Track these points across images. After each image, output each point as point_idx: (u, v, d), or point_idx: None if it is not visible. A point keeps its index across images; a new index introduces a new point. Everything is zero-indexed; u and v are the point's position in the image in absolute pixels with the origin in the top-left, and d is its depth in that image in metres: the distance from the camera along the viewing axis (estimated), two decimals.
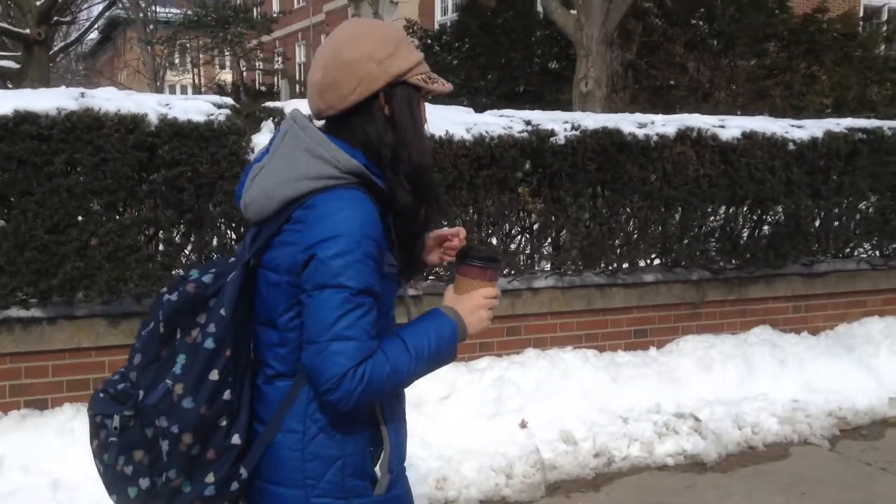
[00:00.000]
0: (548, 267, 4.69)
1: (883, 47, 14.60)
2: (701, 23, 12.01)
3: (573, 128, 4.52)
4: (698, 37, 11.84)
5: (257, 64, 30.24)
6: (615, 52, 9.12)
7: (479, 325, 1.54)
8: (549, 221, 4.56)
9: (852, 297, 5.76)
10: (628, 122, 4.71)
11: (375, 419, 1.51)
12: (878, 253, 5.85)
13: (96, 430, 1.46)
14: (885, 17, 19.09)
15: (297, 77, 27.03)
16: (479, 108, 4.74)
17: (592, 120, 4.67)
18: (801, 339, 5.23)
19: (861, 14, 15.65)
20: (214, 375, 1.41)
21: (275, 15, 28.52)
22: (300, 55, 31.80)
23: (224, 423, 1.42)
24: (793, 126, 5.24)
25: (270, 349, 1.49)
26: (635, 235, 4.79)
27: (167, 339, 1.46)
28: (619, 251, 4.76)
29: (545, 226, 4.59)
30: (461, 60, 13.94)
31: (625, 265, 4.85)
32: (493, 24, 13.52)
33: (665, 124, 4.75)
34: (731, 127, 4.95)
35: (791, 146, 5.05)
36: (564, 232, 4.61)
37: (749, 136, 4.90)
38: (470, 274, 1.55)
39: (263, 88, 24.46)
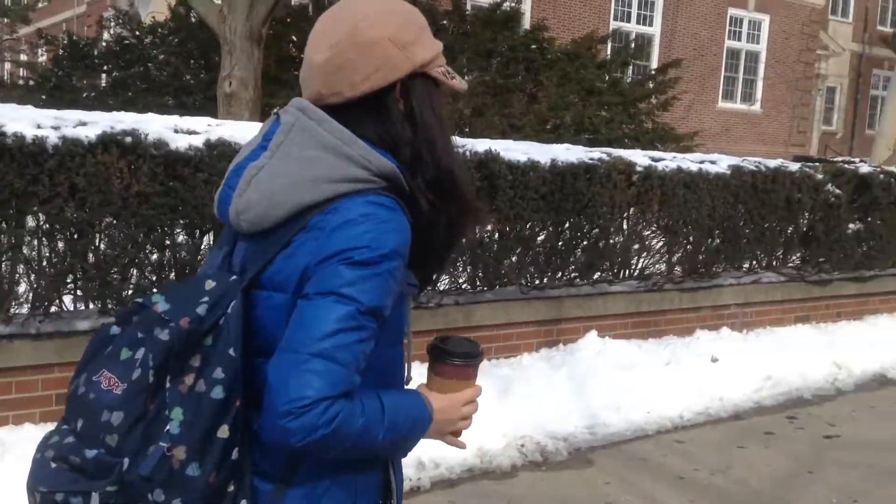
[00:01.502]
0: None
1: (620, 71, 14.66)
2: None
3: None
4: None
5: (21, 56, 27.41)
6: (262, 51, 8.09)
7: (447, 439, 1.34)
8: None
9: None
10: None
11: (385, 464, 1.30)
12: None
13: None
14: (632, 41, 19.64)
15: None
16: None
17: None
18: None
19: (610, 38, 15.61)
20: (224, 432, 1.13)
21: (41, 4, 25.92)
22: None
23: (231, 488, 1.16)
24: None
25: None
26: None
27: (156, 390, 1.14)
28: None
29: None
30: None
31: None
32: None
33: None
34: None
35: None
36: None
37: None
38: (447, 373, 1.31)
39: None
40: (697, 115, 20.51)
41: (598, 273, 5.27)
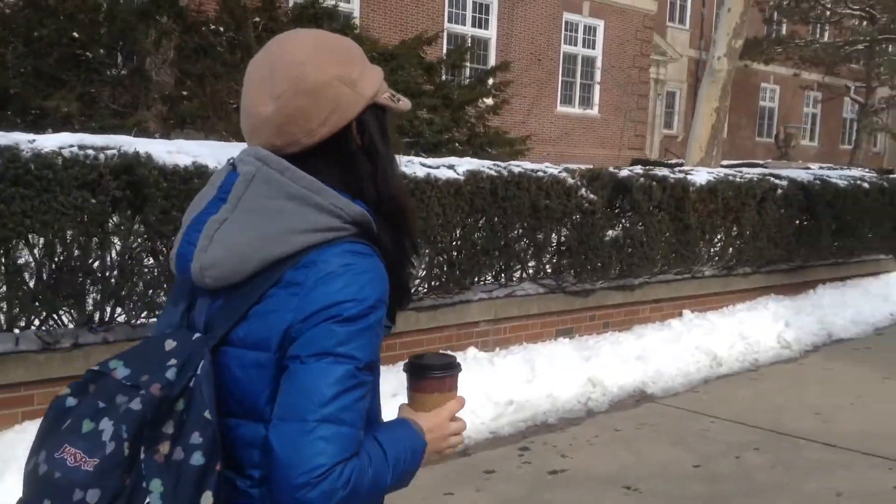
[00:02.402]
0: None
1: (452, 74, 14.24)
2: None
3: None
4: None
5: None
6: None
7: (445, 452, 1.33)
8: None
9: None
10: None
11: None
12: None
13: None
14: (468, 44, 19.39)
15: None
16: None
17: None
18: None
19: (438, 39, 15.11)
20: (208, 499, 1.09)
21: None
22: None
23: None
24: None
25: (255, 447, 1.16)
26: None
27: (132, 463, 1.08)
28: None
29: None
30: None
31: None
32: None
33: None
34: None
35: None
36: None
37: None
38: (428, 388, 1.33)
39: None
40: (537, 120, 20.52)
41: None
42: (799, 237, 7.01)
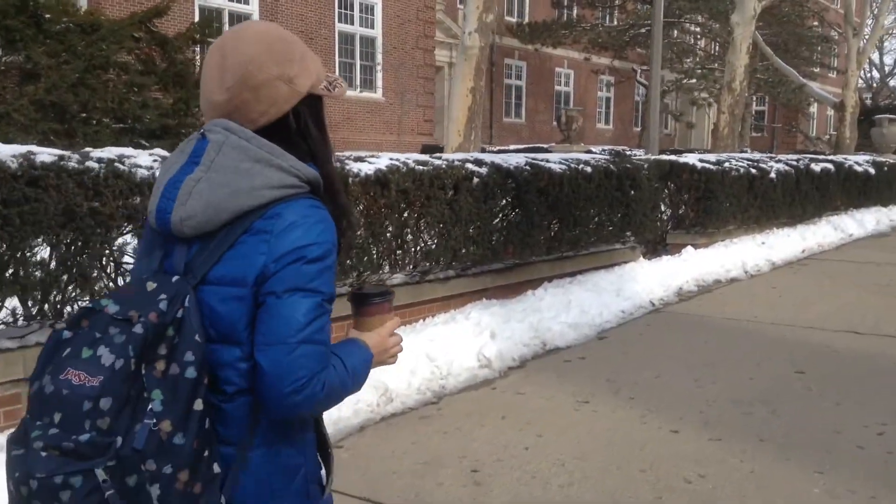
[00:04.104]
0: None
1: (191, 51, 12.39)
2: None
3: None
4: None
5: None
6: None
7: (388, 362, 1.61)
8: None
9: None
10: None
11: (316, 422, 1.55)
12: None
13: (49, 494, 1.26)
14: (225, 20, 17.57)
15: None
16: None
17: None
18: None
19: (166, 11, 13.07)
20: (199, 405, 1.34)
21: None
22: None
23: (206, 453, 1.36)
24: None
25: (230, 366, 1.41)
26: None
27: (136, 377, 1.31)
28: None
29: None
30: None
31: None
32: None
33: None
34: None
35: None
36: None
37: None
38: (370, 312, 1.58)
39: None
40: None
41: None
42: (507, 232, 5.97)
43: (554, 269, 6.87)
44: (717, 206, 9.26)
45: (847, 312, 7.13)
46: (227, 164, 1.38)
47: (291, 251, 1.34)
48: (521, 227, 6.04)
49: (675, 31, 31.52)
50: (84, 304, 1.41)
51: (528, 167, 6.13)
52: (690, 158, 9.51)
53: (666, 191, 9.26)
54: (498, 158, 6.05)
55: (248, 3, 17.92)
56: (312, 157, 1.48)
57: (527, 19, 30.64)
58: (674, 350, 5.83)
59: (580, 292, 6.85)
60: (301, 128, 1.47)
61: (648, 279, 7.65)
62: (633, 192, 7.46)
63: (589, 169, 6.79)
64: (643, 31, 29.30)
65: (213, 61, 1.44)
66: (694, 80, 31.86)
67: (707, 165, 9.26)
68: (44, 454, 1.26)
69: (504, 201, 5.90)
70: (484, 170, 5.74)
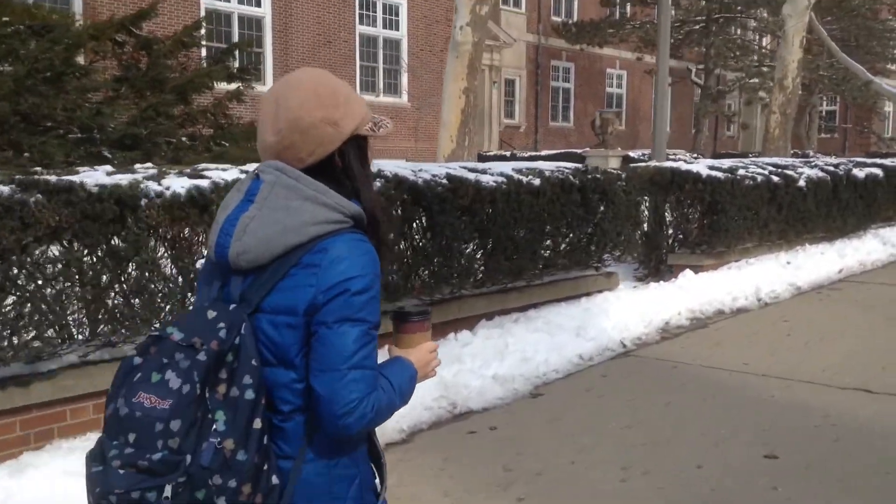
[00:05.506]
0: None
1: (181, 56, 11.62)
2: None
3: None
4: None
5: None
6: None
7: (429, 375, 1.70)
8: None
9: None
10: None
11: (369, 435, 1.65)
12: None
13: None
14: (235, 23, 16.86)
15: None
16: None
17: None
18: None
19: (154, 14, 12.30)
20: (258, 424, 1.46)
21: None
22: None
23: (266, 467, 1.47)
24: None
25: (286, 387, 1.53)
26: None
27: (200, 400, 1.43)
28: None
29: None
30: None
31: None
32: None
33: None
34: None
35: None
36: None
37: None
38: (411, 330, 1.68)
39: None
40: None
41: None
42: (413, 263, 4.80)
43: (493, 304, 5.64)
44: (725, 220, 7.87)
45: (866, 358, 5.70)
46: (279, 202, 1.52)
47: (338, 283, 1.47)
48: (433, 256, 4.86)
49: (736, 29, 29.58)
50: (152, 332, 1.35)
51: (445, 180, 4.95)
52: (697, 166, 8.14)
53: (667, 204, 7.92)
54: (406, 170, 4.89)
55: (259, 6, 17.17)
56: (356, 193, 1.60)
57: (575, 18, 29.17)
58: (617, 418, 4.55)
59: (524, 333, 5.62)
60: (346, 166, 1.60)
61: (624, 313, 6.34)
62: (602, 208, 6.17)
63: (537, 182, 5.55)
64: (697, 27, 27.53)
65: (267, 108, 1.58)
66: (756, 80, 29.84)
67: (714, 174, 7.87)
68: (121, 471, 1.41)
69: (410, 225, 4.73)
70: (378, 183, 4.59)
